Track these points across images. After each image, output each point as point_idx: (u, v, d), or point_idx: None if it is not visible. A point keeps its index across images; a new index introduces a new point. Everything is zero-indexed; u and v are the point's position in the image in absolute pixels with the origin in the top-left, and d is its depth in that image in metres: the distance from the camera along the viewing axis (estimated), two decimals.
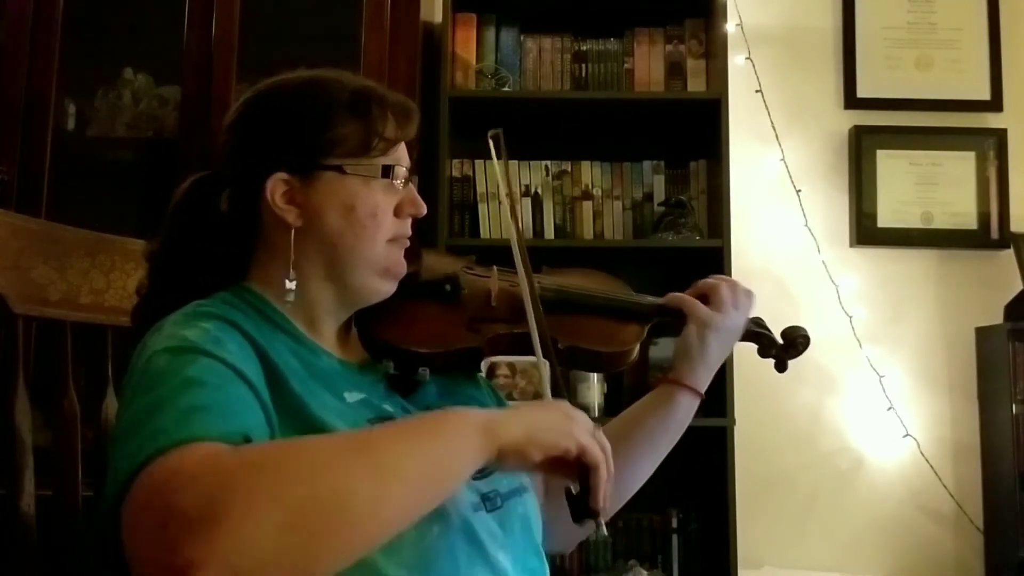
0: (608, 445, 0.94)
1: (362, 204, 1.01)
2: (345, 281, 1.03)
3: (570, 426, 0.91)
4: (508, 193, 1.21)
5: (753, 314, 1.31)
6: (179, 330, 0.91)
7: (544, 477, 1.00)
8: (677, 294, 1.25)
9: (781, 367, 1.31)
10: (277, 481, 0.73)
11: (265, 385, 0.91)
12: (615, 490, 1.20)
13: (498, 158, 1.14)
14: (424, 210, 1.08)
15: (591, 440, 0.91)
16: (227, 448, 0.77)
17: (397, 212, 1.05)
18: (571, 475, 0.93)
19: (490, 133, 1.16)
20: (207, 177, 1.08)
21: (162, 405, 0.81)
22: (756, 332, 1.30)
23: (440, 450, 0.83)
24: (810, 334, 1.30)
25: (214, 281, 1.03)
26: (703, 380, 1.23)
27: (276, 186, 1.01)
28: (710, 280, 1.26)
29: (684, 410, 1.22)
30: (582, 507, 0.92)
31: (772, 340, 1.30)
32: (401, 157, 1.07)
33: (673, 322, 1.24)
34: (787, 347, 1.29)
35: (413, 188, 1.07)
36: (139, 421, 0.81)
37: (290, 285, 1.01)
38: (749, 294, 1.26)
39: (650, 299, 1.25)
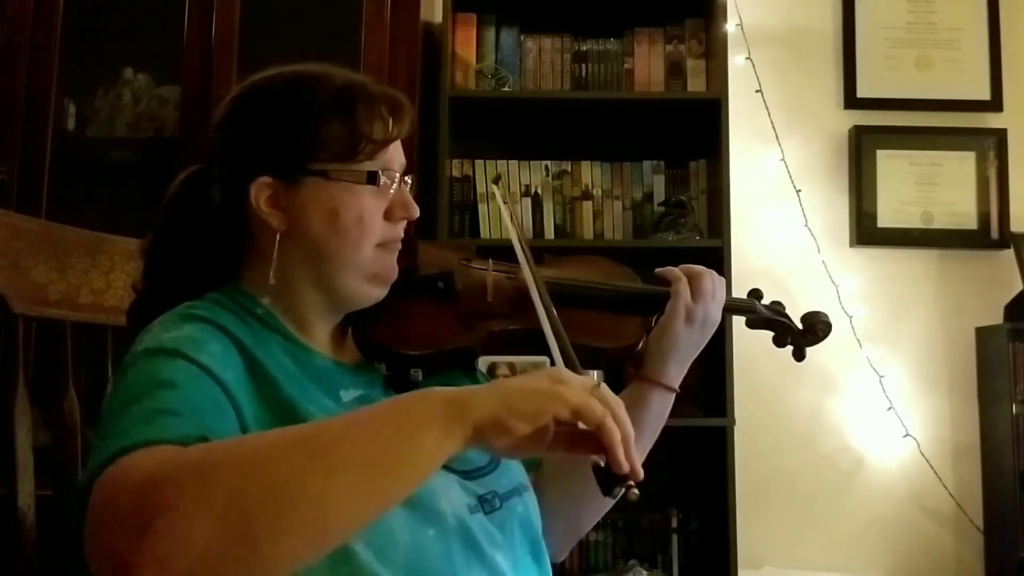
0: (617, 400, 0.82)
1: (347, 210, 0.98)
2: (332, 286, 1.01)
3: (556, 388, 0.79)
4: (516, 231, 1.13)
5: (768, 299, 1.26)
6: (162, 332, 0.90)
7: (564, 458, 0.89)
8: (670, 269, 1.17)
9: (799, 355, 1.24)
10: (213, 476, 0.71)
11: (248, 387, 0.90)
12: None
13: (503, 203, 1.11)
14: (416, 213, 1.04)
15: (587, 398, 0.79)
16: (177, 450, 0.75)
17: (388, 215, 1.02)
18: (592, 447, 0.81)
19: (492, 180, 1.11)
20: (198, 173, 1.07)
21: (130, 406, 0.81)
22: (772, 319, 1.23)
23: (395, 436, 0.75)
24: (831, 321, 1.23)
25: (207, 279, 1.02)
26: (677, 376, 1.17)
27: (260, 190, 0.98)
28: (695, 266, 1.18)
29: (658, 408, 1.17)
30: (607, 477, 0.81)
31: (789, 327, 1.23)
32: (392, 158, 1.02)
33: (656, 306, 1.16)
34: (806, 333, 1.23)
35: (405, 190, 1.04)
36: (108, 422, 0.82)
37: (267, 299, 1.00)
38: (723, 284, 1.19)
39: (645, 286, 1.19)
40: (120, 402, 0.83)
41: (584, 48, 2.71)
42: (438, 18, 2.67)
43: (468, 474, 1.00)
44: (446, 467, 0.97)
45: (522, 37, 2.71)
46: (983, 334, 2.75)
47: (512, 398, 0.78)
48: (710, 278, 1.17)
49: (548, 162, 2.67)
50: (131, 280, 1.26)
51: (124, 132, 2.50)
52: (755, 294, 1.27)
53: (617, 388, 2.56)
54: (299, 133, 0.99)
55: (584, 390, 0.80)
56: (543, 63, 2.71)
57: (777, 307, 1.26)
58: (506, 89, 2.64)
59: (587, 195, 2.67)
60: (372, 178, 0.99)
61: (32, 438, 1.15)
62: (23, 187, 2.24)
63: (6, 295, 1.16)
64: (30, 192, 2.24)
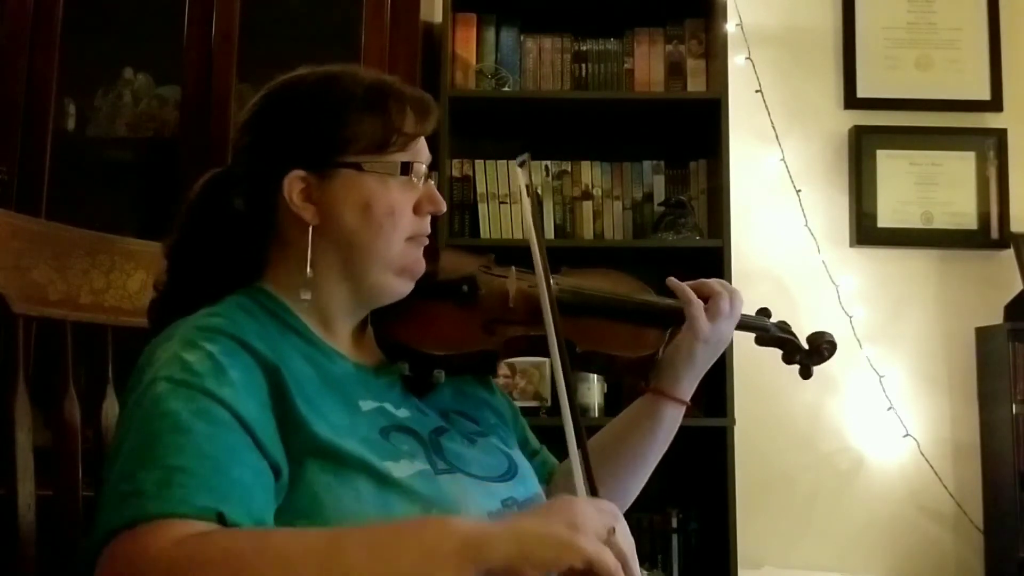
0: (630, 545, 0.85)
1: (379, 202, 1.00)
2: (361, 280, 1.02)
3: (573, 537, 0.79)
4: (533, 205, 1.15)
5: (776, 319, 1.29)
6: (185, 352, 0.89)
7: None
8: (685, 290, 1.18)
9: (806, 373, 1.29)
10: None
11: (270, 408, 0.90)
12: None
13: (525, 186, 1.13)
14: (443, 207, 1.07)
15: (600, 550, 0.80)
16: (193, 536, 0.77)
17: (416, 209, 1.04)
18: None
19: (519, 163, 1.14)
20: (222, 174, 1.07)
21: (150, 453, 0.82)
22: (782, 338, 1.28)
23: (408, 569, 0.76)
24: (836, 340, 1.28)
25: (230, 280, 1.02)
26: (689, 390, 1.21)
27: (293, 184, 0.99)
28: (713, 285, 1.19)
29: (670, 421, 1.20)
30: None
31: (797, 346, 1.28)
32: (420, 153, 1.05)
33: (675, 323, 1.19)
34: (812, 353, 1.28)
35: (432, 185, 1.06)
36: (127, 467, 0.82)
37: (306, 294, 1.00)
38: (741, 299, 1.20)
39: (663, 300, 1.20)
40: (139, 444, 0.83)
41: (584, 48, 2.71)
42: (438, 18, 2.67)
43: (490, 480, 1.01)
44: (468, 473, 0.98)
45: (522, 37, 2.71)
46: (983, 334, 2.75)
47: (529, 544, 0.78)
48: (727, 299, 1.18)
49: (548, 162, 2.67)
50: (131, 280, 1.27)
51: (124, 132, 2.49)
52: (764, 313, 1.30)
53: (618, 397, 2.53)
54: (332, 126, 1.00)
55: (600, 537, 0.81)
56: (543, 63, 2.71)
57: (784, 326, 1.30)
58: (506, 89, 2.64)
59: (587, 195, 2.67)
60: (405, 168, 1.02)
61: (32, 438, 1.15)
62: (23, 187, 2.24)
63: (6, 295, 1.16)
64: (30, 192, 2.24)
